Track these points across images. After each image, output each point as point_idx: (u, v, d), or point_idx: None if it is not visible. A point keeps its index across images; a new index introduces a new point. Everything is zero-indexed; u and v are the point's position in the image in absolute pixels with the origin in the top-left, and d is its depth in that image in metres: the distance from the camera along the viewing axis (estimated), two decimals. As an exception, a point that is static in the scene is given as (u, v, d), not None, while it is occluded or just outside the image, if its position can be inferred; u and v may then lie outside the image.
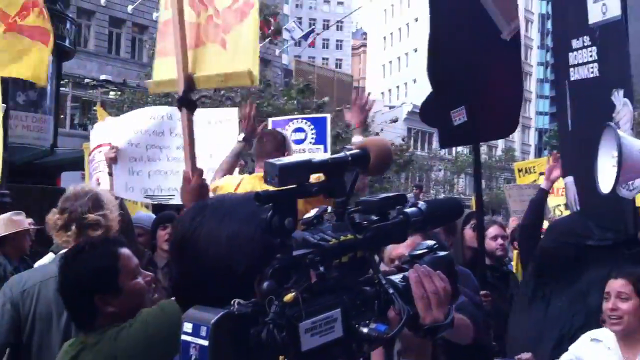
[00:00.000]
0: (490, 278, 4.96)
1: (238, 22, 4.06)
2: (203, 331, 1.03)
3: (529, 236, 4.39)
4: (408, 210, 1.32)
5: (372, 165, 1.27)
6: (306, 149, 6.51)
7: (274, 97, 20.83)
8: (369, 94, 4.17)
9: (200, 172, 3.32)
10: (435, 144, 50.52)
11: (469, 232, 4.98)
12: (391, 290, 1.26)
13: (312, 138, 6.63)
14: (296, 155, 1.19)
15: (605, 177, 2.81)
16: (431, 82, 4.86)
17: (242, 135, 4.57)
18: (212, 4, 4.15)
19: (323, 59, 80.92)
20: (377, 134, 28.24)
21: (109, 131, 5.82)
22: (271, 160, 1.12)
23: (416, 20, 62.63)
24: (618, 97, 3.79)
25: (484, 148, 53.14)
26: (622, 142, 2.66)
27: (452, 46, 4.69)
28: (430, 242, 1.48)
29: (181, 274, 1.31)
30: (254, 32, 4.09)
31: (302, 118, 7.14)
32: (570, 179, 4.42)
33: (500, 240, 5.26)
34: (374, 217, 1.30)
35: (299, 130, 6.79)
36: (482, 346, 2.87)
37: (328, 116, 7.21)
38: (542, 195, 4.55)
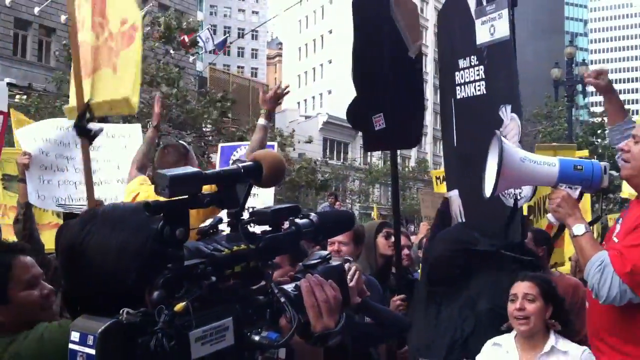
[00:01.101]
0: (396, 286, 5.07)
1: (125, 46, 4.11)
2: (90, 340, 1.04)
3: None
4: (300, 221, 1.37)
5: (265, 177, 1.30)
6: None
7: (187, 104, 20.55)
8: (287, 85, 4.30)
9: (100, 203, 3.35)
10: (350, 153, 51.23)
11: (381, 240, 5.06)
12: (283, 299, 1.30)
13: None
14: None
15: (489, 183, 2.90)
16: (355, 86, 4.96)
17: (154, 122, 4.72)
18: (107, 26, 4.18)
19: (238, 67, 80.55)
20: (293, 149, 28.31)
21: None
22: (162, 171, 1.13)
23: (330, 32, 63.30)
24: (506, 113, 3.91)
25: (397, 158, 54.08)
26: (503, 148, 2.76)
27: (372, 53, 4.80)
28: (324, 252, 1.53)
29: (70, 283, 1.29)
30: (138, 57, 4.13)
31: (247, 144, 7.20)
32: (455, 192, 4.57)
33: (406, 250, 5.39)
34: (268, 228, 1.33)
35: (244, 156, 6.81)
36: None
37: (275, 144, 7.30)
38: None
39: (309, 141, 28.73)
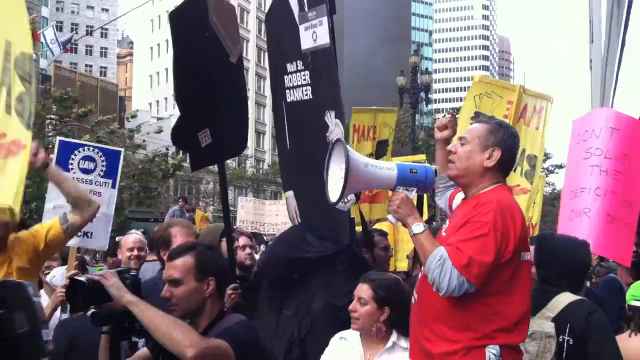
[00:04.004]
0: (239, 288, 5.10)
1: (1, 157, 3.91)
2: None
3: None
4: None
5: None
6: (93, 180, 6.21)
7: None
8: None
9: None
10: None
11: (225, 245, 5.10)
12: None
13: (102, 170, 6.32)
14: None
15: (334, 188, 2.99)
16: (178, 105, 4.85)
17: None
18: None
19: (86, 65, 77.13)
20: (143, 141, 27.61)
21: None
22: None
23: (184, 33, 62.15)
24: (330, 119, 4.04)
25: (252, 161, 54.25)
26: (349, 155, 2.87)
27: (192, 69, 4.66)
28: None
29: None
30: (20, 171, 3.93)
31: (94, 147, 6.77)
32: (290, 193, 4.67)
33: (248, 250, 5.42)
34: None
35: (88, 158, 6.44)
36: None
37: (122, 150, 6.92)
38: None
39: (159, 131, 28.12)
